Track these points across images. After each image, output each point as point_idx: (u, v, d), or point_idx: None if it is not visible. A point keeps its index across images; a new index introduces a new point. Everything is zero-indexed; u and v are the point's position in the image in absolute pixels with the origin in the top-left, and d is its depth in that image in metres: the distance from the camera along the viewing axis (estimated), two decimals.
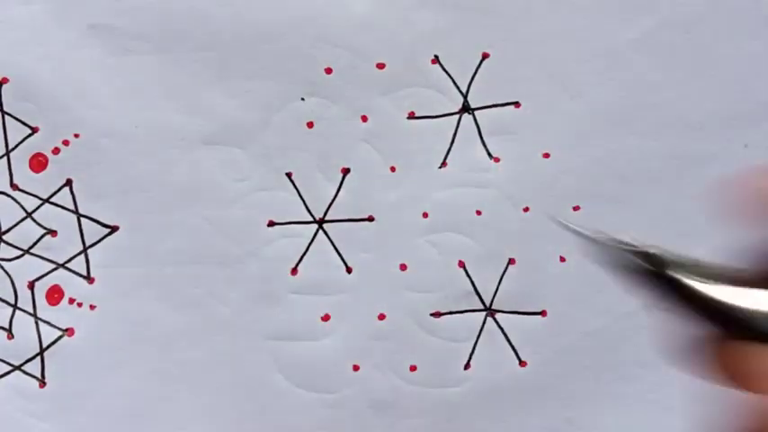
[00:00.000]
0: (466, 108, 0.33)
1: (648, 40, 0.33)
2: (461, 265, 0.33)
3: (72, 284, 0.33)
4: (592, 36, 0.33)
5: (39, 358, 0.33)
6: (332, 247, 0.33)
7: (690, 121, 0.33)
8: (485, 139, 0.33)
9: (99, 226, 0.33)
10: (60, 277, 0.33)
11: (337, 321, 0.33)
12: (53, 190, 0.33)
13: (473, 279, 0.33)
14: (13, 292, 0.33)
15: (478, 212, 0.33)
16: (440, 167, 0.33)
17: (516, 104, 0.33)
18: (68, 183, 0.33)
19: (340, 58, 0.33)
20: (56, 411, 0.33)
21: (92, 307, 0.33)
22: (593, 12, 0.33)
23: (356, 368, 0.33)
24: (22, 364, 0.33)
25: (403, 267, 0.33)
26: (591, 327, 0.33)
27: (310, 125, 0.33)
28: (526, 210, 0.33)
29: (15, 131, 0.33)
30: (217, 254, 0.33)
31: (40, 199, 0.33)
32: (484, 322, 0.33)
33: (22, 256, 0.33)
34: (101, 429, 0.33)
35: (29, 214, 0.33)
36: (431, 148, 0.33)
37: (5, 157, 0.33)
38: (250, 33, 0.33)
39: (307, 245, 0.33)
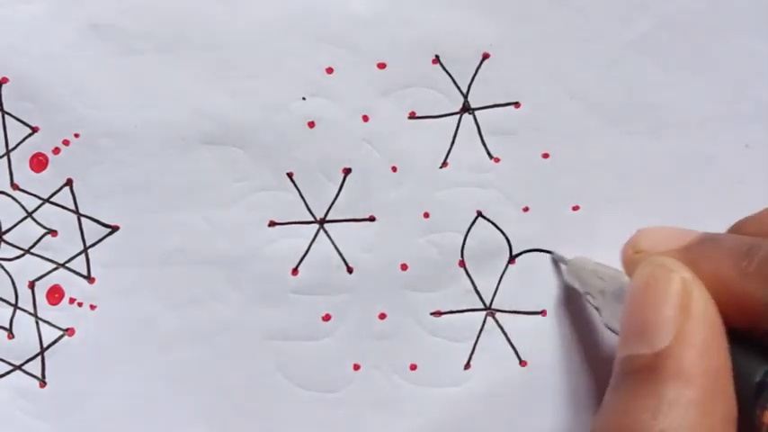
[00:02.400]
0: (466, 108, 0.33)
1: (648, 40, 0.33)
2: (461, 264, 0.33)
3: (72, 284, 0.33)
4: (592, 36, 0.33)
5: (39, 358, 0.33)
6: (333, 247, 0.33)
7: (690, 121, 0.33)
8: (485, 139, 0.33)
9: (99, 226, 0.33)
10: (61, 277, 0.33)
11: (338, 321, 0.33)
12: (53, 190, 0.33)
13: (473, 278, 0.33)
14: (13, 292, 0.33)
15: (479, 212, 0.33)
16: (441, 167, 0.33)
17: (516, 104, 0.33)
18: (69, 182, 0.33)
19: (341, 58, 0.33)
20: (56, 411, 0.33)
21: (92, 307, 0.33)
22: (593, 12, 0.33)
23: (356, 367, 0.33)
24: (22, 364, 0.33)
25: (404, 267, 0.33)
26: None
27: (311, 125, 0.33)
28: (526, 210, 0.33)
29: (15, 131, 0.33)
30: (217, 254, 0.33)
31: (41, 199, 0.33)
32: (484, 322, 0.33)
33: (23, 255, 0.33)
34: (101, 429, 0.33)
35: (29, 214, 0.33)
36: (432, 147, 0.33)
37: (5, 157, 0.33)
38: (250, 33, 0.33)
39: (308, 245, 0.33)
